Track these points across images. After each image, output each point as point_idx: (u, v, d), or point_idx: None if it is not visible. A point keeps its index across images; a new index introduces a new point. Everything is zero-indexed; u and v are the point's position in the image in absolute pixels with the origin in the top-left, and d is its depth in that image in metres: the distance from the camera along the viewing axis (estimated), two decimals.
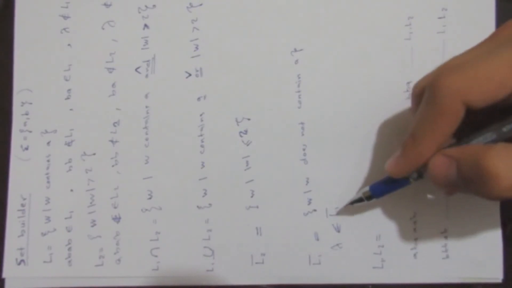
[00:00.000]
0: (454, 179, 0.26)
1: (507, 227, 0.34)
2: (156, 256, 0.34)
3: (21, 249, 0.35)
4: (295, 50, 0.34)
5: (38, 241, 0.35)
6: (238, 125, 0.34)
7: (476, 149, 0.25)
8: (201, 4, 0.35)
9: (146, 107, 0.35)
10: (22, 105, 0.35)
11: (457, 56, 0.27)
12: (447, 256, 0.33)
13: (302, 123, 0.34)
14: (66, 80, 0.35)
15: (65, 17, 0.35)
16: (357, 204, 0.32)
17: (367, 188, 0.32)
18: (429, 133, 0.26)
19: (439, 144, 0.27)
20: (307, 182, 0.34)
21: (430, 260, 0.34)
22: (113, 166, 0.35)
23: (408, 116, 0.34)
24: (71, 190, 0.35)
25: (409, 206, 0.34)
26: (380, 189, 0.31)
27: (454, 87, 0.25)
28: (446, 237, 0.33)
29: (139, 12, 0.35)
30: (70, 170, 0.35)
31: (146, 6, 0.35)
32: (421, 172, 0.29)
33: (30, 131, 0.35)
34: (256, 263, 0.34)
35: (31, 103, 0.35)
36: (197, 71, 0.35)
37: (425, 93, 0.27)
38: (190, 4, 0.35)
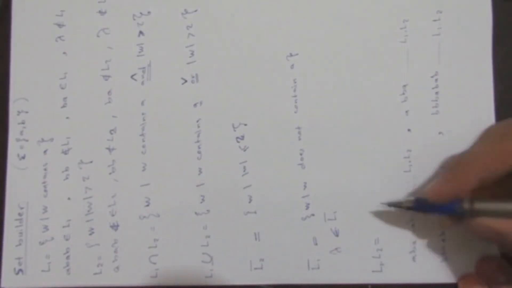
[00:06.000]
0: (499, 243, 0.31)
1: None
2: (154, 263, 0.34)
3: (19, 258, 0.34)
4: (291, 55, 0.34)
5: (36, 250, 0.34)
6: (234, 130, 0.34)
7: None
8: (196, 10, 0.35)
9: (143, 114, 0.35)
10: (18, 114, 0.35)
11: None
12: (446, 258, 0.33)
13: (298, 128, 0.34)
14: (62, 88, 0.35)
15: (60, 25, 0.35)
16: (392, 209, 0.33)
17: (412, 198, 0.32)
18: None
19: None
20: (305, 186, 0.34)
21: (429, 262, 0.34)
22: (110, 173, 0.35)
23: (404, 119, 0.34)
24: (69, 199, 0.35)
25: None
26: (424, 206, 0.31)
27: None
28: (444, 240, 0.33)
29: (134, 19, 0.35)
30: (67, 178, 0.35)
31: (141, 13, 0.35)
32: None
33: (27, 140, 0.35)
34: (255, 268, 0.34)
35: (27, 112, 0.35)
36: (193, 77, 0.35)
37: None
38: (185, 10, 0.35)
